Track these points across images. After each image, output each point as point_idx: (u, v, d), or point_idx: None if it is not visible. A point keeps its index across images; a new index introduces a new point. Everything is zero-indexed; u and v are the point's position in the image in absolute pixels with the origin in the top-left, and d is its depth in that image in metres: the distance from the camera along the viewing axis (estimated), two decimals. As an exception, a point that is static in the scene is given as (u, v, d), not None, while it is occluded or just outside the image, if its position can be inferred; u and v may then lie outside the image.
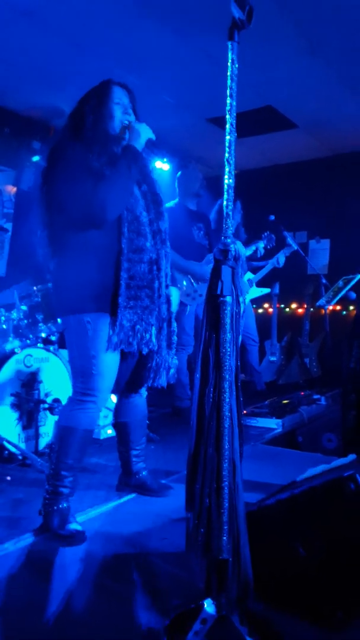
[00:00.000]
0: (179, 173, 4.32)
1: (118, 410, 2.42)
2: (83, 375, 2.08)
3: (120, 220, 2.06)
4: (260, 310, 6.20)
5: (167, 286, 2.21)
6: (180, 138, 5.39)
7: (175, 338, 2.27)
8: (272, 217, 4.74)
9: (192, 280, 4.10)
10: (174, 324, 2.27)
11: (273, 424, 3.78)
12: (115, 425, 2.46)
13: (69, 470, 2.06)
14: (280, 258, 4.76)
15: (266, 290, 4.99)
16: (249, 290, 4.81)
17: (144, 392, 2.42)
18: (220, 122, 5.03)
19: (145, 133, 2.11)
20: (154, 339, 2.15)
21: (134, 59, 3.91)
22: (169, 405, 4.28)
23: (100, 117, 2.09)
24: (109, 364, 2.09)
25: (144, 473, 2.46)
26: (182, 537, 1.49)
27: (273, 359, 5.73)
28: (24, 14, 3.41)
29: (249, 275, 4.78)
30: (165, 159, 5.11)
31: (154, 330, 2.15)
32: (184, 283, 4.09)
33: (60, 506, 2.02)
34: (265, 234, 4.71)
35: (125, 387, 2.35)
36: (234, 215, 4.59)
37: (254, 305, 5.54)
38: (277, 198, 5.72)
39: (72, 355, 2.13)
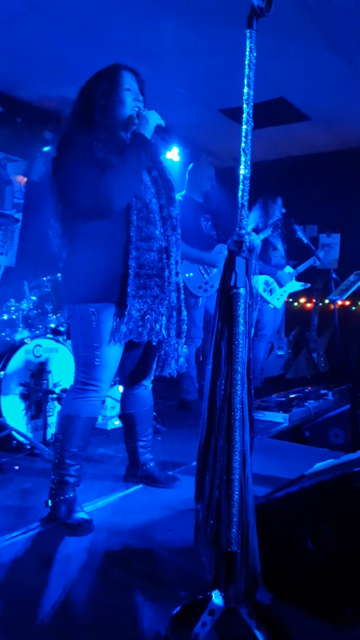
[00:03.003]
0: (190, 165, 4.30)
1: (124, 402, 2.43)
2: (85, 365, 2.07)
3: (129, 209, 2.03)
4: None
5: (177, 273, 2.20)
6: (192, 130, 5.36)
7: (185, 327, 2.24)
8: (283, 210, 4.71)
9: (203, 272, 4.09)
10: (184, 313, 2.24)
11: (280, 418, 3.77)
12: (122, 416, 2.46)
13: (73, 459, 2.07)
14: (320, 255, 4.78)
15: (307, 285, 4.97)
16: (290, 283, 4.78)
17: (149, 384, 2.41)
18: (232, 113, 4.99)
19: (154, 120, 2.08)
20: (163, 330, 2.13)
21: (146, 50, 3.88)
22: (176, 397, 4.28)
23: (111, 102, 2.06)
24: (113, 355, 2.09)
25: (151, 464, 2.46)
26: (190, 529, 1.49)
27: (281, 353, 5.71)
28: (36, 7, 3.39)
29: (288, 269, 4.76)
30: (174, 146, 5.08)
31: (163, 320, 2.13)
32: (191, 274, 4.07)
33: (67, 496, 2.03)
34: (271, 221, 4.67)
35: (130, 376, 2.34)
36: (275, 211, 4.57)
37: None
38: (288, 191, 5.67)
39: (76, 345, 2.12)
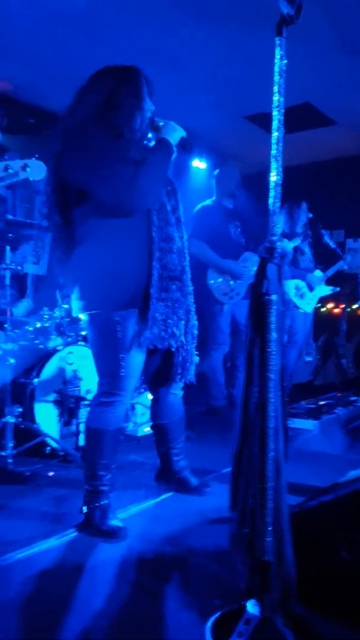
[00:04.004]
0: (216, 171, 4.32)
1: (155, 413, 2.39)
2: (111, 376, 2.02)
3: (149, 209, 2.01)
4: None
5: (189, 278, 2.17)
6: (217, 136, 5.38)
7: (196, 332, 2.20)
8: (310, 215, 4.68)
9: (229, 279, 4.09)
10: (195, 317, 2.20)
11: (309, 425, 3.73)
12: (154, 427, 2.43)
13: (105, 470, 2.07)
14: (347, 259, 4.74)
15: (337, 289, 4.91)
16: (320, 287, 4.74)
17: (179, 392, 2.39)
18: (257, 119, 5.00)
19: (180, 131, 2.08)
20: (183, 336, 2.11)
21: (171, 58, 3.92)
22: (203, 403, 4.27)
23: (135, 104, 1.99)
24: (137, 363, 2.06)
25: (185, 472, 2.45)
26: (222, 537, 1.49)
27: (309, 359, 5.65)
28: (63, 19, 3.46)
29: (318, 272, 4.72)
30: (195, 158, 5.10)
31: (182, 325, 2.11)
32: (220, 281, 4.07)
33: (102, 503, 2.04)
34: (301, 230, 4.65)
35: (157, 384, 2.31)
36: (300, 215, 4.56)
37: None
38: (314, 196, 5.63)
39: (99, 355, 2.06)
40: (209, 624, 1.45)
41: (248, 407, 1.43)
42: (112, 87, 1.99)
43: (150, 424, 2.45)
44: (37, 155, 1.59)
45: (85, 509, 2.06)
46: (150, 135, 2.09)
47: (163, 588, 1.68)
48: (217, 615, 1.47)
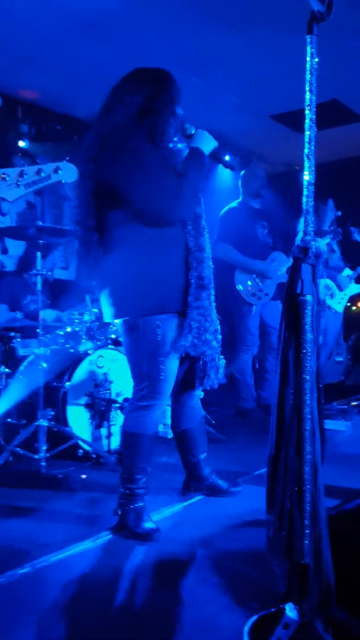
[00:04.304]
0: (242, 172, 4.30)
1: (178, 418, 2.34)
2: (150, 380, 2.03)
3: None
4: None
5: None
6: (242, 136, 5.36)
7: (219, 336, 2.19)
8: (339, 213, 4.62)
9: (257, 280, 4.06)
10: (218, 323, 2.20)
11: (342, 426, 3.67)
12: (179, 434, 2.37)
13: (141, 473, 2.07)
14: None
15: None
16: (350, 286, 4.68)
17: (200, 393, 2.38)
18: (283, 118, 4.96)
19: (214, 141, 2.10)
20: (214, 342, 2.12)
21: (196, 60, 3.92)
22: (233, 405, 4.25)
23: (173, 112, 2.01)
24: (174, 368, 2.07)
25: (213, 476, 2.43)
26: (255, 539, 1.48)
27: (340, 359, 5.57)
28: (88, 26, 3.50)
29: (347, 271, 4.66)
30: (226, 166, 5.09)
31: (213, 332, 2.12)
32: (248, 282, 4.05)
33: (136, 505, 2.05)
34: (332, 228, 4.59)
35: (182, 388, 2.28)
36: (327, 213, 4.51)
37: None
38: (344, 193, 5.56)
39: (137, 359, 2.06)
40: (247, 627, 1.44)
41: (284, 409, 1.41)
42: (149, 91, 2.00)
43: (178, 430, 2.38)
44: (67, 158, 1.62)
45: (119, 511, 2.07)
46: (181, 142, 2.10)
47: (199, 591, 1.67)
48: (254, 618, 1.45)
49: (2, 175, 1.48)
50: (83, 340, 3.16)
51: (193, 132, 2.09)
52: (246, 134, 5.31)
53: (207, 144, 2.07)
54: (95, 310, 3.25)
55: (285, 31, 3.41)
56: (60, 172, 1.51)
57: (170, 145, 2.03)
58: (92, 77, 4.13)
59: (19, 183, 1.50)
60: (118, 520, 2.06)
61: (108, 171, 1.93)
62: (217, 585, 1.71)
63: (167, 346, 2.01)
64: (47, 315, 3.40)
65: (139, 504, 2.06)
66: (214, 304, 2.15)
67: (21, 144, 4.56)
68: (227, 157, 5.06)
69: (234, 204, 4.20)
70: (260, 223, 4.17)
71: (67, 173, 1.52)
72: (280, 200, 4.79)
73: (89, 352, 3.08)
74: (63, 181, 1.52)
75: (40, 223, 2.83)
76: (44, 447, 2.74)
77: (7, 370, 2.96)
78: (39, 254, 2.86)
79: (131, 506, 2.04)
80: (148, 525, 2.02)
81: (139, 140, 1.93)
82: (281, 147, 5.46)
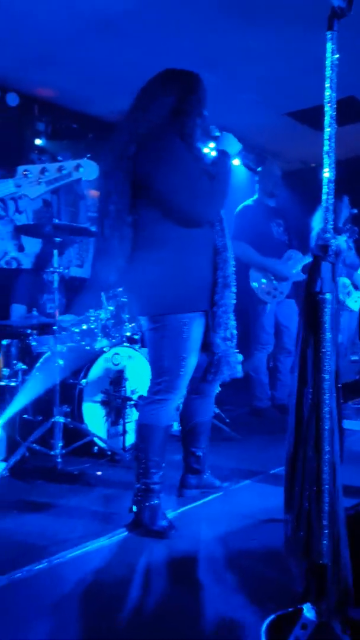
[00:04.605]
0: (259, 169, 4.27)
1: (194, 411, 2.37)
2: (169, 375, 2.07)
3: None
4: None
5: None
6: (258, 134, 5.33)
7: (235, 332, 2.23)
8: (355, 211, 4.57)
9: (272, 278, 4.04)
10: (234, 317, 2.24)
11: (357, 425, 3.64)
12: (191, 427, 2.39)
13: (156, 467, 2.09)
14: None
15: None
16: None
17: (218, 388, 2.40)
18: (299, 115, 4.93)
19: (238, 144, 2.19)
20: (234, 339, 2.18)
21: (211, 57, 3.90)
22: (247, 404, 4.24)
23: (202, 114, 2.10)
24: (194, 363, 2.12)
25: (209, 471, 2.47)
26: (272, 539, 1.48)
27: (355, 358, 5.52)
28: (105, 24, 3.51)
29: None
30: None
31: (232, 328, 2.18)
32: (263, 281, 4.03)
33: (152, 502, 2.05)
34: (348, 226, 4.55)
35: (199, 382, 2.30)
36: (342, 209, 4.47)
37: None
38: (358, 190, 5.51)
39: (159, 355, 2.09)
40: (264, 626, 1.43)
41: (302, 408, 1.41)
42: (180, 93, 2.06)
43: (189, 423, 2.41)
44: (89, 155, 1.62)
45: (135, 508, 2.08)
46: (208, 144, 2.19)
47: (215, 589, 1.67)
48: (271, 617, 1.44)
49: (24, 172, 1.48)
50: (99, 338, 3.17)
51: (218, 134, 2.17)
52: (262, 132, 5.29)
53: (233, 146, 2.16)
54: (111, 308, 3.26)
55: (303, 28, 3.39)
56: (81, 169, 1.51)
57: (198, 145, 2.11)
58: (108, 75, 4.14)
59: (40, 180, 1.49)
60: (133, 518, 2.07)
61: (146, 170, 1.98)
62: (233, 584, 1.70)
63: (192, 344, 2.06)
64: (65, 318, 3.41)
65: (155, 501, 2.06)
66: (234, 302, 2.20)
67: (38, 141, 4.60)
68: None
69: (249, 201, 4.18)
70: (276, 221, 4.15)
71: (88, 170, 1.52)
72: (296, 198, 4.75)
73: (105, 349, 3.09)
74: (83, 179, 1.51)
75: (56, 221, 2.85)
76: (60, 444, 2.76)
77: (24, 366, 2.98)
78: (55, 251, 2.87)
79: (147, 503, 2.05)
80: (163, 522, 2.03)
81: (174, 141, 1.99)
82: (297, 144, 5.43)
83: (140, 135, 2.00)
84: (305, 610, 1.39)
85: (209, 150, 2.30)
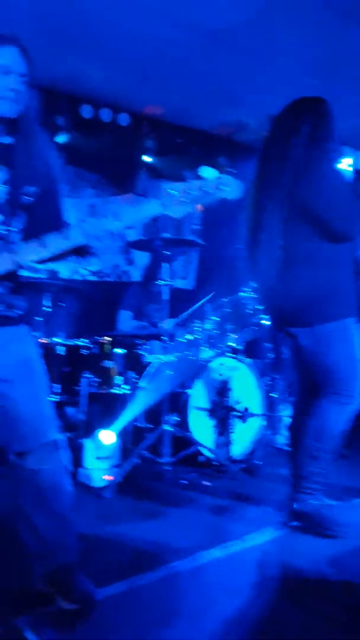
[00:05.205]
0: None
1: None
2: (347, 379, 2.16)
3: None
4: None
5: None
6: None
7: None
8: None
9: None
10: None
11: None
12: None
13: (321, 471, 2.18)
14: None
15: None
16: None
17: None
18: None
19: None
20: None
21: (315, 64, 3.82)
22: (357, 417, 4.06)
23: (332, 140, 2.25)
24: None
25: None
26: None
27: None
28: (210, 38, 3.54)
29: None
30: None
31: None
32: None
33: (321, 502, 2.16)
34: None
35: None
36: None
37: None
38: None
39: (335, 362, 2.18)
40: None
41: None
42: (315, 120, 2.21)
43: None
44: (233, 170, 1.56)
45: (295, 505, 2.16)
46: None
47: (330, 612, 1.62)
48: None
49: (169, 191, 1.41)
50: (204, 348, 3.22)
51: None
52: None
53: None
54: (216, 318, 3.30)
55: None
56: (225, 187, 1.43)
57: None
58: (212, 87, 4.19)
59: (183, 199, 1.41)
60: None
61: (306, 195, 2.12)
62: (348, 607, 1.65)
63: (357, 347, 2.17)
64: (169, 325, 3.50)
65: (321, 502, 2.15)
66: None
67: (146, 159, 4.72)
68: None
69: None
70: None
71: (232, 189, 1.43)
72: None
73: (210, 359, 3.13)
74: (227, 198, 1.43)
75: (166, 235, 2.93)
76: (168, 452, 2.82)
77: (135, 376, 3.10)
78: (165, 265, 2.95)
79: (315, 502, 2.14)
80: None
81: (326, 164, 2.17)
82: None
83: (294, 162, 2.14)
84: None
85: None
